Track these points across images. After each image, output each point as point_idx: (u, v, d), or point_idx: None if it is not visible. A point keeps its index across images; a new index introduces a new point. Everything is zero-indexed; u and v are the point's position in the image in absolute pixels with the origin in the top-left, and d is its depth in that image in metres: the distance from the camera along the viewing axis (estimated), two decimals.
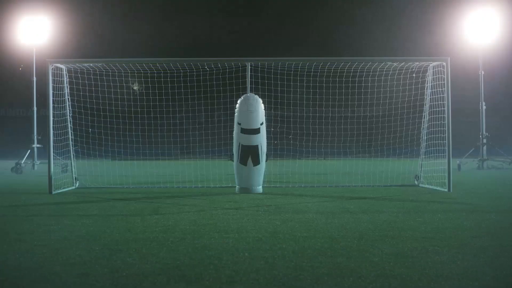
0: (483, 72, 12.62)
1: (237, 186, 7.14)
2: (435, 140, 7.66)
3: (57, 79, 7.51)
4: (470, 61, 13.64)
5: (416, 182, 8.09)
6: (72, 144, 7.89)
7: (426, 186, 7.72)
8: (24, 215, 5.05)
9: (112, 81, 8.88)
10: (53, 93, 7.33)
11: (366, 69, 8.48)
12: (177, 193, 7.19)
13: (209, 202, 6.05)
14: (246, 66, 7.88)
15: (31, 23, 12.67)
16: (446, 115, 7.27)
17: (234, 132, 7.17)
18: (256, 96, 7.18)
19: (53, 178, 7.14)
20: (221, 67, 8.73)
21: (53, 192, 7.05)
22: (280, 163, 10.11)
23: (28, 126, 13.07)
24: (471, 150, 12.58)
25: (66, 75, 7.72)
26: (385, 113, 9.65)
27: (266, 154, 7.18)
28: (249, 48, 24.87)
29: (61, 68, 7.64)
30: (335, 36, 24.01)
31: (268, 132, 7.35)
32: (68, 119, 7.80)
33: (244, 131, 6.97)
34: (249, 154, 6.94)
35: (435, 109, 7.68)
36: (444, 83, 7.31)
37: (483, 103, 12.61)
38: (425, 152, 8.02)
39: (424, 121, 8.03)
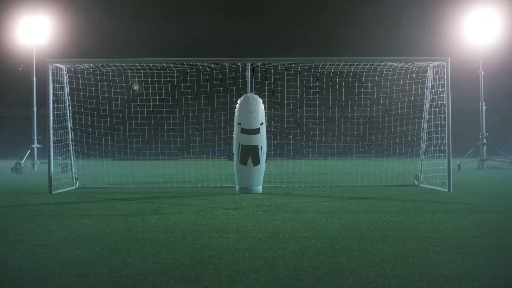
0: (483, 72, 12.62)
1: (237, 186, 7.14)
2: (435, 140, 7.66)
3: (57, 79, 7.51)
4: (470, 61, 13.64)
5: (416, 182, 8.09)
6: (72, 144, 7.89)
7: (426, 186, 7.72)
8: (24, 215, 5.05)
9: (112, 81, 8.88)
10: (53, 93, 7.33)
11: (366, 69, 8.48)
12: (177, 193, 7.19)
13: (209, 202, 6.05)
14: (246, 66, 7.88)
15: (31, 23, 12.67)
16: (446, 115, 7.27)
17: (234, 132, 7.17)
18: (256, 96, 7.18)
19: (53, 178, 7.14)
20: (221, 67, 8.73)
21: (53, 192, 7.05)
22: (280, 163, 10.11)
23: (28, 126, 13.07)
24: (471, 150, 12.58)
25: (66, 75, 7.72)
26: (385, 113, 9.65)
27: (266, 154, 7.18)
28: (249, 48, 24.87)
29: (61, 68, 7.64)
30: (335, 36, 24.01)
31: (268, 132, 7.35)
32: (68, 119, 7.80)
33: (244, 131, 6.97)
34: (249, 154, 6.94)
35: (435, 109, 7.68)
36: (444, 83, 7.31)
37: (483, 103, 12.61)
38: (425, 152, 8.02)
39: (424, 121, 8.03)
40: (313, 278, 2.70)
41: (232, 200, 6.20)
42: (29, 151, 12.20)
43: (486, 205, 5.64)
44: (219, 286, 2.58)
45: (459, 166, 11.62)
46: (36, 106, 12.76)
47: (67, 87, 7.73)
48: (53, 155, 7.33)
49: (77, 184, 7.94)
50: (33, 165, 12.36)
